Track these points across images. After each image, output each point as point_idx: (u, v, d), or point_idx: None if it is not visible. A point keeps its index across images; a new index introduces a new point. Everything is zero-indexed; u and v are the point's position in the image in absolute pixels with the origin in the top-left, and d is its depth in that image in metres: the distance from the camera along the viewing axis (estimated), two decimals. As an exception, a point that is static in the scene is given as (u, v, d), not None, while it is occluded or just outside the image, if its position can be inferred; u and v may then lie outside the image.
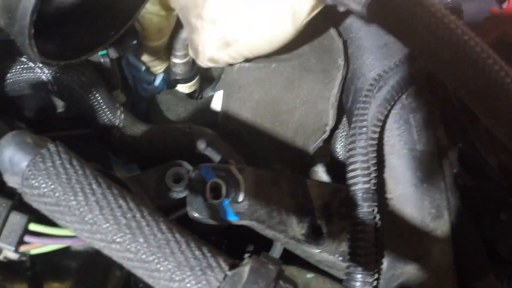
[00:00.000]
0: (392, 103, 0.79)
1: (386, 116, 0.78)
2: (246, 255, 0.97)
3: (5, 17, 0.63)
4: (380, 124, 0.77)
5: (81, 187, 0.49)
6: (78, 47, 0.76)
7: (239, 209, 0.72)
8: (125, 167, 0.96)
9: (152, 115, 0.96)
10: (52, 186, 0.49)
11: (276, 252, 0.81)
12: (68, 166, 0.50)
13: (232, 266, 0.45)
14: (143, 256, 0.46)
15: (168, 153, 0.87)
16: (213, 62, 0.88)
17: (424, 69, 0.81)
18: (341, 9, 0.58)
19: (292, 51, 0.86)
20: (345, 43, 0.88)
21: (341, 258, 0.76)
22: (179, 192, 0.77)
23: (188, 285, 0.44)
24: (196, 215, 0.71)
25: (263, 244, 0.85)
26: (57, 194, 0.49)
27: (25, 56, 0.83)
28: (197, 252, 0.45)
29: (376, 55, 0.84)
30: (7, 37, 0.72)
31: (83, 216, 0.48)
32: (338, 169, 0.97)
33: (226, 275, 0.44)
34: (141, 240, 0.46)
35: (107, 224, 0.47)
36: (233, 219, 0.72)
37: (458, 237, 0.85)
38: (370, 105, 0.77)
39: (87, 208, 0.48)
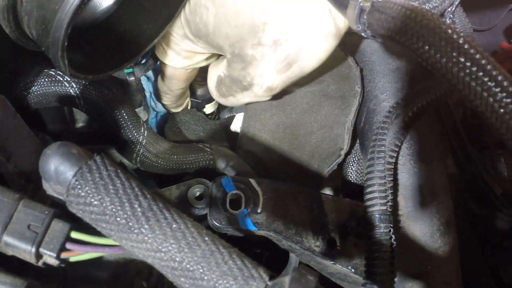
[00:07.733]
0: (408, 130, 0.83)
1: (402, 142, 0.82)
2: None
3: (38, 28, 0.65)
4: (397, 150, 0.81)
5: (128, 198, 0.51)
6: (105, 62, 0.78)
7: (257, 220, 0.76)
8: (143, 183, 0.98)
9: (170, 134, 0.99)
10: (99, 197, 0.51)
11: (292, 263, 0.83)
12: (114, 177, 0.52)
13: (272, 277, 0.48)
14: (188, 265, 0.48)
15: (187, 171, 0.90)
16: (269, 92, 0.82)
17: (437, 101, 0.85)
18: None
19: (314, 78, 0.90)
20: (361, 71, 0.92)
21: (354, 270, 0.78)
22: (201, 209, 0.80)
23: (231, 294, 0.47)
24: (216, 224, 0.74)
25: (275, 256, 0.88)
26: (104, 204, 0.51)
27: (53, 69, 0.86)
28: (239, 263, 0.48)
29: (388, 78, 0.88)
30: (36, 48, 0.73)
31: (129, 226, 0.50)
32: (350, 191, 1.00)
33: (267, 285, 0.47)
34: (186, 250, 0.49)
35: (153, 234, 0.50)
36: (251, 229, 0.75)
37: (465, 261, 0.88)
38: (388, 131, 0.80)
39: (134, 218, 0.50)
